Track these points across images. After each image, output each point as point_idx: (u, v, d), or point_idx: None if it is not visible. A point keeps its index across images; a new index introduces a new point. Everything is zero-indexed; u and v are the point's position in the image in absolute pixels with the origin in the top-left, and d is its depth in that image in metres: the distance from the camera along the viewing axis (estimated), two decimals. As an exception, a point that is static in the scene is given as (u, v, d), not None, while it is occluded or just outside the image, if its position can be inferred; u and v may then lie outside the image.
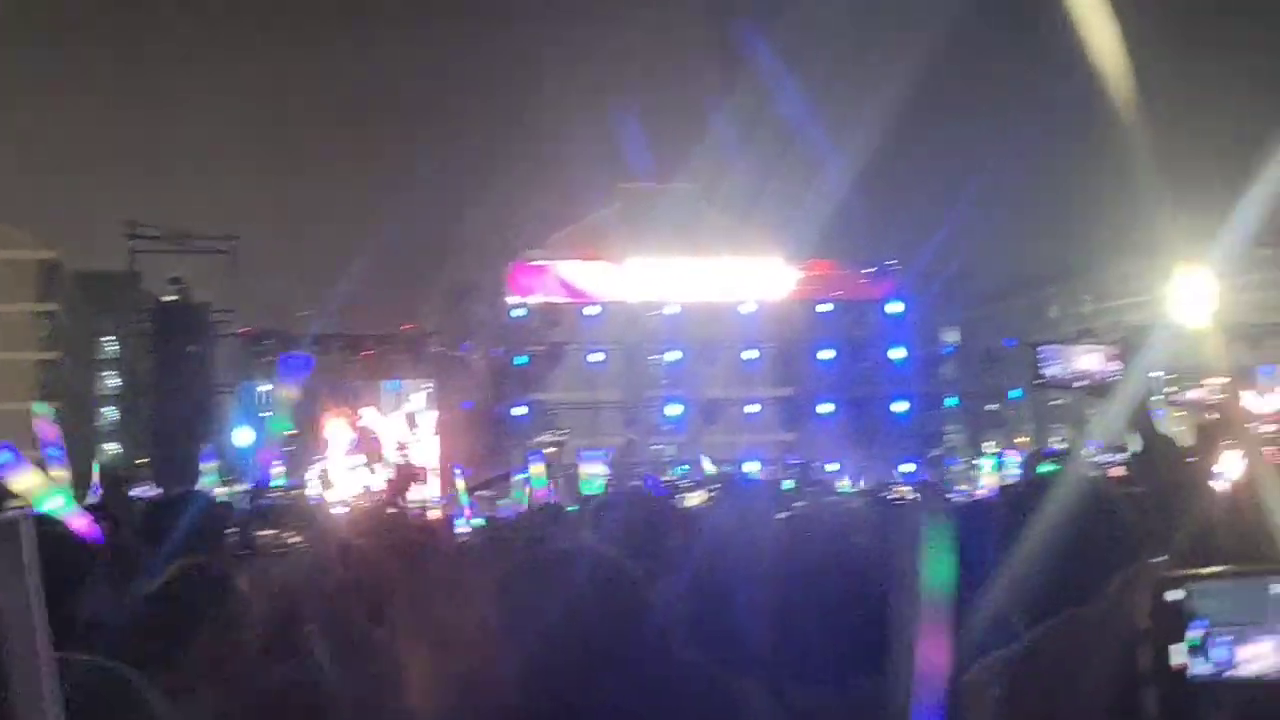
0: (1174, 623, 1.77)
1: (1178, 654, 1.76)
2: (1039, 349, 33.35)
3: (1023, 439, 40.07)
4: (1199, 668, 1.75)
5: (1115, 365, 31.17)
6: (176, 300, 37.44)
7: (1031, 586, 2.97)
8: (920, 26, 37.03)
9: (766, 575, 3.33)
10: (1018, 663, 2.70)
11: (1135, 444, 5.21)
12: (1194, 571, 1.82)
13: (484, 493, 21.11)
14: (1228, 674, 1.75)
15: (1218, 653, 1.77)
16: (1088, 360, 32.73)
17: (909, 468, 34.10)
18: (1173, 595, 1.78)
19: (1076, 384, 32.43)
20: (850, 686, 2.81)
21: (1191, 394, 33.05)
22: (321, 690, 3.49)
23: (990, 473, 17.52)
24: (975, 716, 2.71)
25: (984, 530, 3.48)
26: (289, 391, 23.31)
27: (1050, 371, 32.58)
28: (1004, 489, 8.82)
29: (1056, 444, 34.95)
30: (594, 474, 19.64)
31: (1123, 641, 1.88)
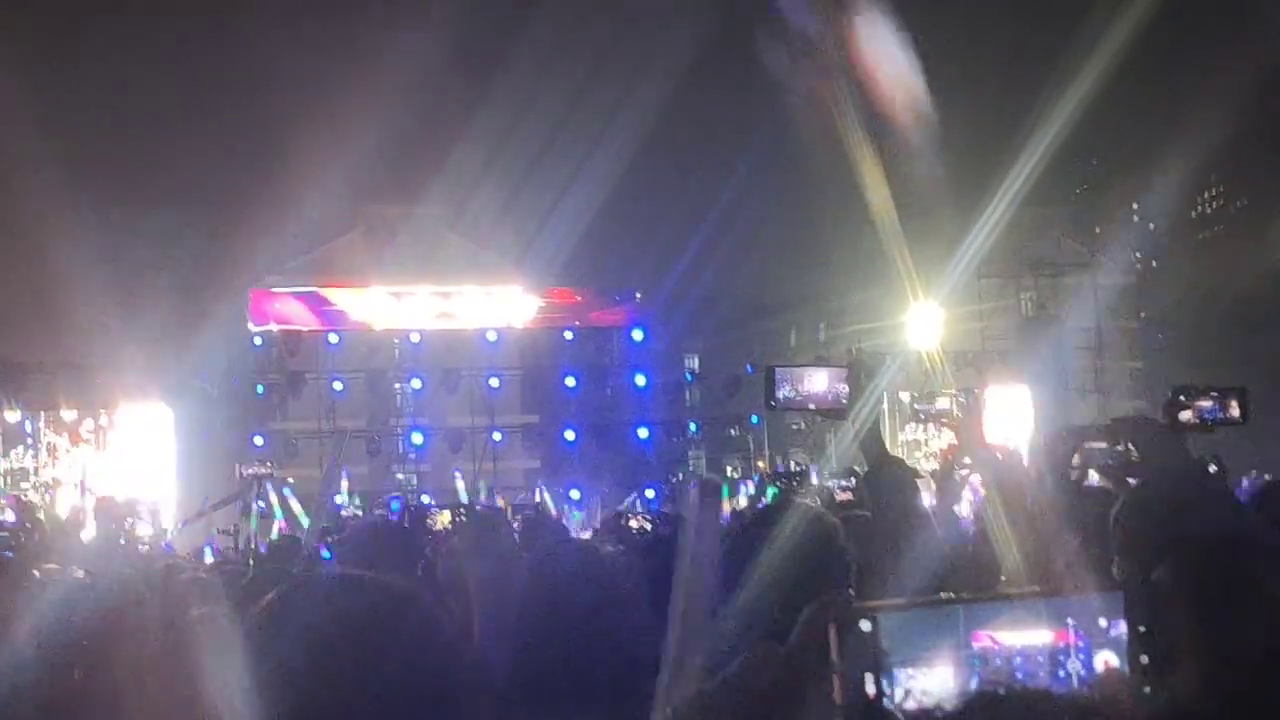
0: (865, 653, 1.82)
1: (869, 683, 1.79)
2: (774, 371, 34.16)
3: (761, 462, 40.88)
4: (889, 697, 1.79)
5: (843, 387, 32.09)
6: None
7: (743, 617, 2.96)
8: (663, 59, 37.72)
9: (504, 612, 3.27)
10: (717, 695, 2.67)
11: (863, 467, 5.29)
12: (882, 602, 1.86)
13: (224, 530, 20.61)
14: (915, 702, 1.79)
15: (906, 681, 1.81)
16: (817, 382, 33.52)
17: (651, 493, 34.53)
18: (863, 626, 1.82)
19: (809, 406, 33.18)
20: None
21: (941, 403, 34.17)
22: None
23: (727, 497, 17.78)
24: None
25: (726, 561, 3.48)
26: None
27: (782, 394, 33.36)
28: (735, 514, 8.89)
29: (792, 466, 35.80)
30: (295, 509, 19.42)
31: (816, 673, 1.88)
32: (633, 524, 11.28)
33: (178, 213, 45.17)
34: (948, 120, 39.73)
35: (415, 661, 1.99)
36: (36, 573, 5.65)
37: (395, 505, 22.11)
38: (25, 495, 29.13)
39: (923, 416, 33.61)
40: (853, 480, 12.39)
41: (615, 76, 41.74)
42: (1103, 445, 4.79)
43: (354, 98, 40.78)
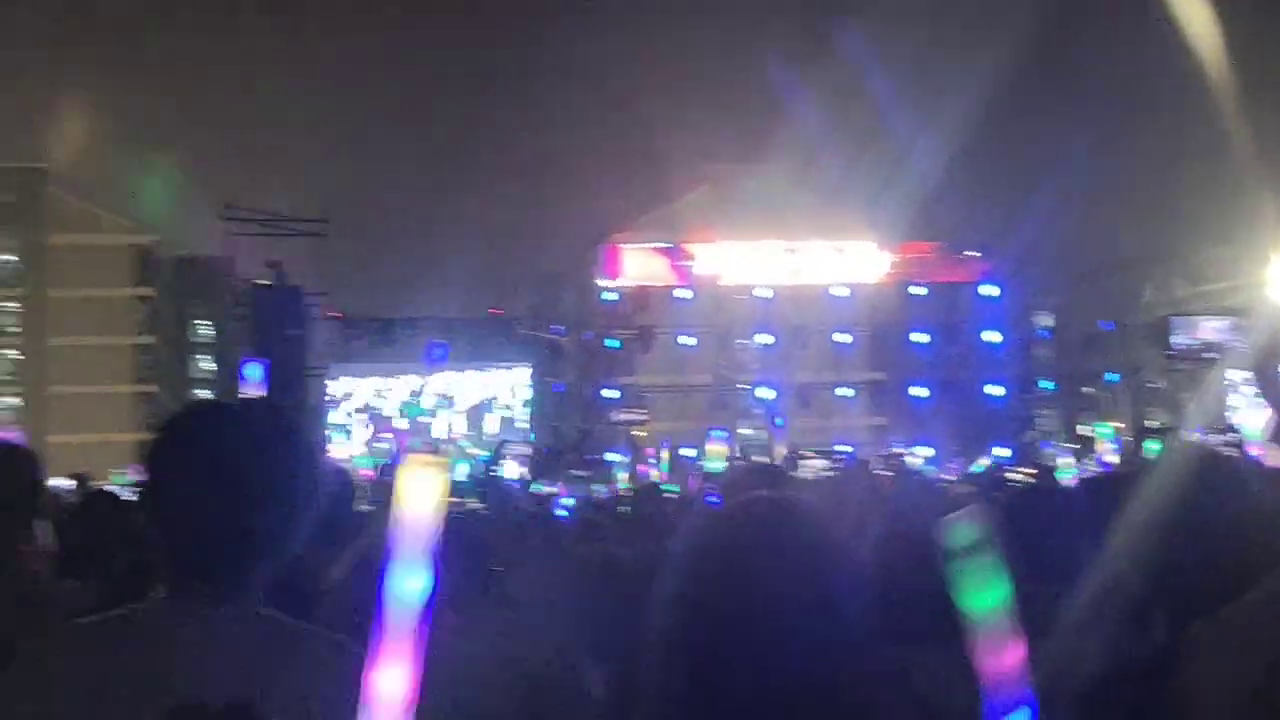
0: None
1: None
2: (1170, 320, 33.68)
3: (1118, 422, 39.95)
4: None
5: (1239, 336, 31.80)
6: (273, 285, 37.93)
7: (1175, 570, 2.86)
8: (1013, 6, 36.94)
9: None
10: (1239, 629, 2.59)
11: (1257, 419, 5.11)
12: None
13: (579, 473, 21.24)
14: None
15: None
16: (1214, 330, 32.98)
17: (1003, 452, 33.91)
18: None
19: (1204, 354, 32.88)
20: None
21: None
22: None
23: (1095, 453, 17.35)
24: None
25: (1098, 513, 3.36)
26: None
27: (1177, 341, 32.90)
28: (1107, 466, 8.69)
29: (1155, 425, 34.93)
30: (718, 453, 19.76)
31: None
32: (1014, 476, 11.14)
33: (534, 173, 46.54)
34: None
35: (807, 562, 2.01)
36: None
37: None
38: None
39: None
40: (1232, 434, 11.92)
41: (965, 26, 41.15)
42: None
43: (702, 56, 41.34)
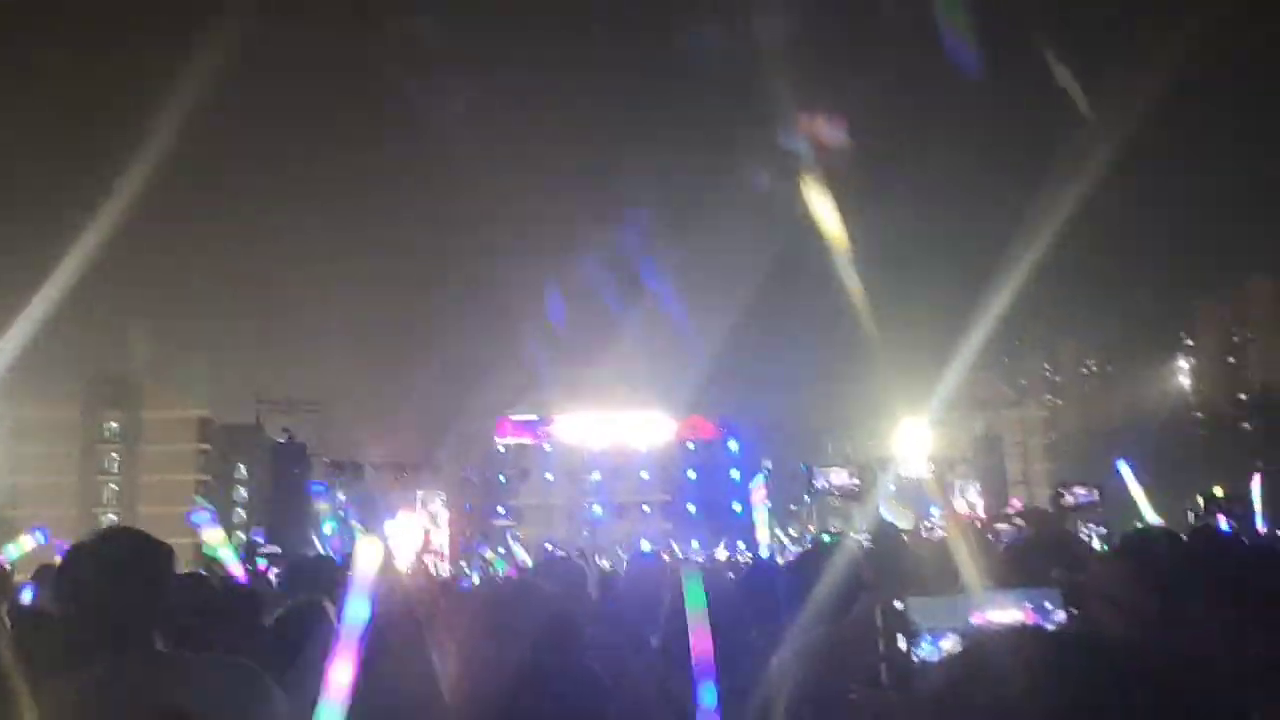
0: (899, 623, 2.58)
1: (901, 641, 2.55)
2: (812, 470, 52.30)
3: (811, 526, 58.48)
4: (915, 652, 2.55)
5: (855, 481, 47.31)
6: (286, 442, 49.67)
7: (800, 613, 4.05)
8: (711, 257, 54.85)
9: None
10: (810, 654, 3.65)
11: (871, 527, 6.37)
12: (908, 594, 2.68)
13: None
14: (931, 655, 2.53)
15: (924, 643, 2.57)
16: (839, 478, 50.04)
17: (742, 544, 53.22)
18: (898, 605, 2.59)
19: (835, 492, 49.55)
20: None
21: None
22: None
23: (783, 549, 21.96)
24: (778, 688, 3.62)
25: (775, 582, 5.22)
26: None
27: (819, 484, 49.88)
28: (797, 556, 9.46)
29: (831, 530, 51.88)
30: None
31: (869, 636, 2.69)
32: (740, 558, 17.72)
33: (453, 371, 66.29)
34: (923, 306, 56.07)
35: (552, 622, 3.37)
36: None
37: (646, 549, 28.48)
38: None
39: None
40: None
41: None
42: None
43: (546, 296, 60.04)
